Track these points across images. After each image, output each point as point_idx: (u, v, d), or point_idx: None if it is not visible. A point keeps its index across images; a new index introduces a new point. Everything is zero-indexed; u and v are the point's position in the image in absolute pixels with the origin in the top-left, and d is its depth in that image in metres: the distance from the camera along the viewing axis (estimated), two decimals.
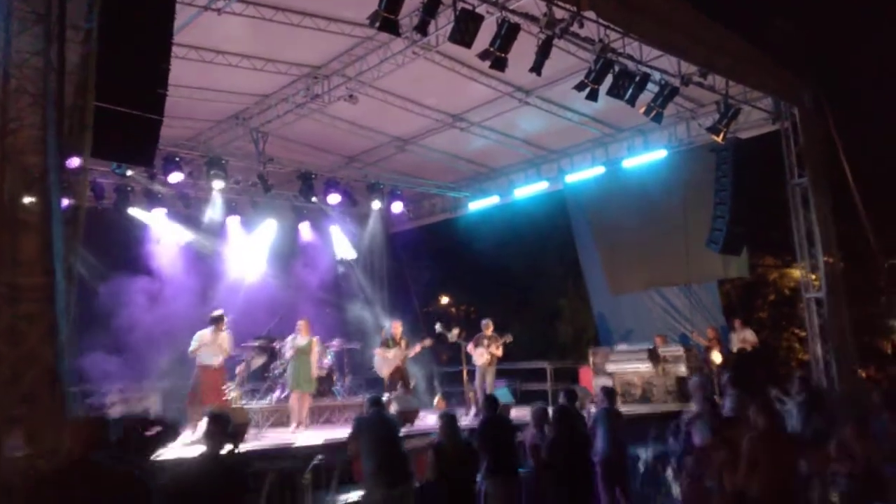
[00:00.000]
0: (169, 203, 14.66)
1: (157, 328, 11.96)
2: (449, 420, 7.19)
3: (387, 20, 8.33)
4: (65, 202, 5.82)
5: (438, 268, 22.25)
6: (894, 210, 16.53)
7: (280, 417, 11.82)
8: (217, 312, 10.99)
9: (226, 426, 5.31)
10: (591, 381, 14.07)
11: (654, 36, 10.26)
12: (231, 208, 15.46)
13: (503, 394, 11.73)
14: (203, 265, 14.84)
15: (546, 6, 9.13)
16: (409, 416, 10.55)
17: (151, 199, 14.34)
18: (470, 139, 14.81)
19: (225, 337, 10.78)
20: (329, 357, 13.61)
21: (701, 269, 14.23)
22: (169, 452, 6.79)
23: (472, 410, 12.27)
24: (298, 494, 7.37)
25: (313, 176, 14.57)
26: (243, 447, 8.16)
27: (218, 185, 13.72)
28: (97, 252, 11.76)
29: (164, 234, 14.69)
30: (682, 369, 13.31)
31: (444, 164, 16.12)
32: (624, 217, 15.31)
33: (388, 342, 12.46)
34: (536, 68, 9.53)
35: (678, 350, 13.65)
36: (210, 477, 5.02)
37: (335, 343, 14.19)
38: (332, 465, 7.71)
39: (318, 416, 12.27)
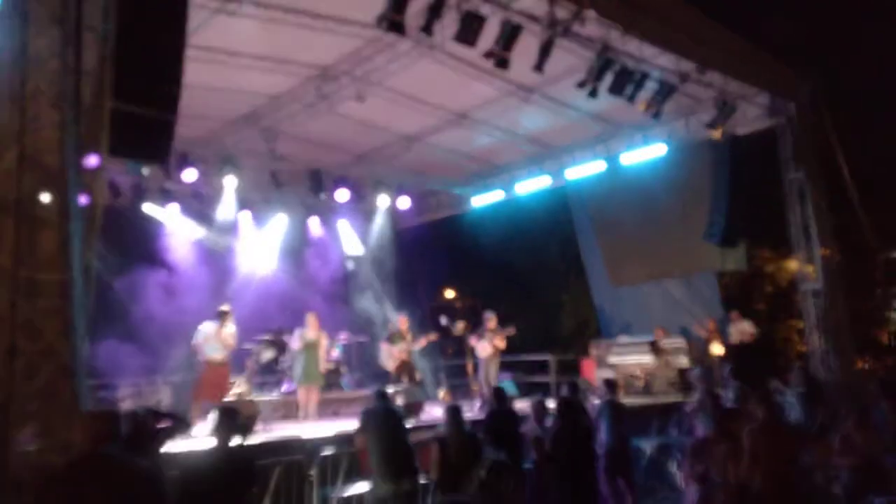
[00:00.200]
0: (183, 200, 14.82)
1: (169, 322, 12.11)
2: (454, 412, 7.24)
3: (393, 21, 8.48)
4: (83, 200, 5.89)
5: (444, 263, 22.33)
6: (890, 204, 16.65)
7: (288, 411, 11.94)
8: (223, 307, 11.06)
9: (234, 420, 5.43)
10: (594, 374, 14.19)
11: (654, 34, 10.35)
12: (243, 204, 15.61)
13: (507, 386, 11.85)
14: (215, 260, 15.01)
15: (548, 5, 9.26)
16: (414, 408, 10.68)
17: (166, 196, 14.51)
18: (474, 137, 14.92)
19: (229, 332, 10.78)
20: (338, 350, 13.77)
21: (700, 260, 14.44)
22: (178, 446, 6.89)
23: (478, 403, 12.45)
24: (305, 487, 7.43)
25: (322, 173, 14.70)
26: (251, 440, 8.29)
27: (230, 182, 13.90)
28: (113, 248, 11.90)
29: (178, 230, 14.86)
30: (684, 361, 13.43)
31: (449, 161, 16.23)
32: (624, 211, 15.46)
33: (395, 336, 12.59)
34: (539, 67, 9.68)
35: (679, 342, 13.78)
36: (219, 470, 5.12)
37: (343, 336, 14.35)
38: (340, 458, 7.80)
39: (326, 409, 12.37)
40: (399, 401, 10.48)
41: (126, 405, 10.69)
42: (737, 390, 8.91)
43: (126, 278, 12.42)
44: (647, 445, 10.39)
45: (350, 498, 7.60)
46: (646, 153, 14.58)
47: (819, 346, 12.47)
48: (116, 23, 6.17)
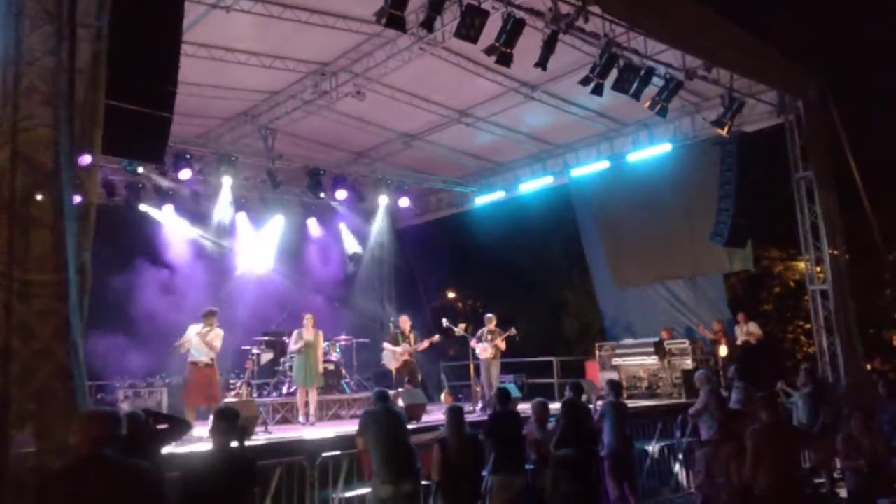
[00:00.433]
0: (179, 199, 14.72)
1: (166, 323, 11.96)
2: (455, 414, 7.14)
3: (393, 16, 8.36)
4: (76, 199, 5.79)
5: (445, 262, 22.28)
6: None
7: (288, 412, 11.87)
8: (208, 308, 10.39)
9: (234, 421, 5.36)
10: (598, 375, 14.12)
11: (659, 30, 10.25)
12: (240, 204, 15.52)
13: (509, 388, 11.76)
14: (212, 261, 14.94)
15: (551, 0, 9.15)
16: (416, 410, 10.60)
17: (162, 196, 14.42)
18: (476, 134, 14.85)
19: (215, 334, 10.09)
20: (337, 352, 13.67)
21: (706, 262, 14.31)
22: (178, 448, 6.83)
23: (479, 404, 12.36)
24: (305, 489, 7.39)
25: (321, 172, 14.58)
26: (251, 442, 8.21)
27: (227, 181, 13.80)
28: (108, 248, 11.81)
29: (175, 230, 14.77)
30: (688, 362, 13.33)
31: (450, 159, 16.16)
32: (629, 211, 15.34)
33: (398, 337, 12.48)
34: (542, 63, 9.54)
35: (684, 343, 13.67)
36: (219, 471, 5.06)
37: (343, 338, 14.25)
38: (340, 460, 7.74)
39: (327, 411, 12.31)
40: (400, 403, 10.40)
41: (125, 406, 10.60)
42: (742, 391, 8.83)
43: (122, 279, 12.34)
44: (651, 447, 10.29)
45: (351, 499, 7.54)
46: (651, 151, 14.47)
47: (827, 347, 12.35)
48: (111, 19, 6.08)
